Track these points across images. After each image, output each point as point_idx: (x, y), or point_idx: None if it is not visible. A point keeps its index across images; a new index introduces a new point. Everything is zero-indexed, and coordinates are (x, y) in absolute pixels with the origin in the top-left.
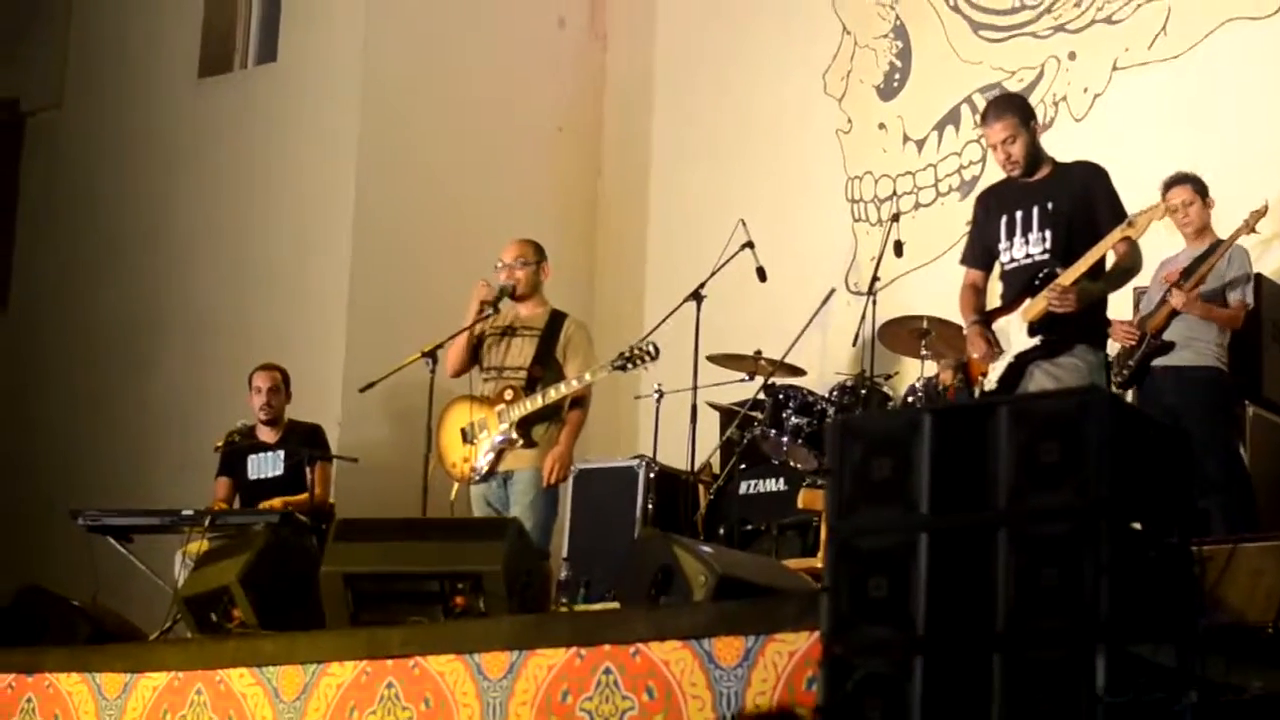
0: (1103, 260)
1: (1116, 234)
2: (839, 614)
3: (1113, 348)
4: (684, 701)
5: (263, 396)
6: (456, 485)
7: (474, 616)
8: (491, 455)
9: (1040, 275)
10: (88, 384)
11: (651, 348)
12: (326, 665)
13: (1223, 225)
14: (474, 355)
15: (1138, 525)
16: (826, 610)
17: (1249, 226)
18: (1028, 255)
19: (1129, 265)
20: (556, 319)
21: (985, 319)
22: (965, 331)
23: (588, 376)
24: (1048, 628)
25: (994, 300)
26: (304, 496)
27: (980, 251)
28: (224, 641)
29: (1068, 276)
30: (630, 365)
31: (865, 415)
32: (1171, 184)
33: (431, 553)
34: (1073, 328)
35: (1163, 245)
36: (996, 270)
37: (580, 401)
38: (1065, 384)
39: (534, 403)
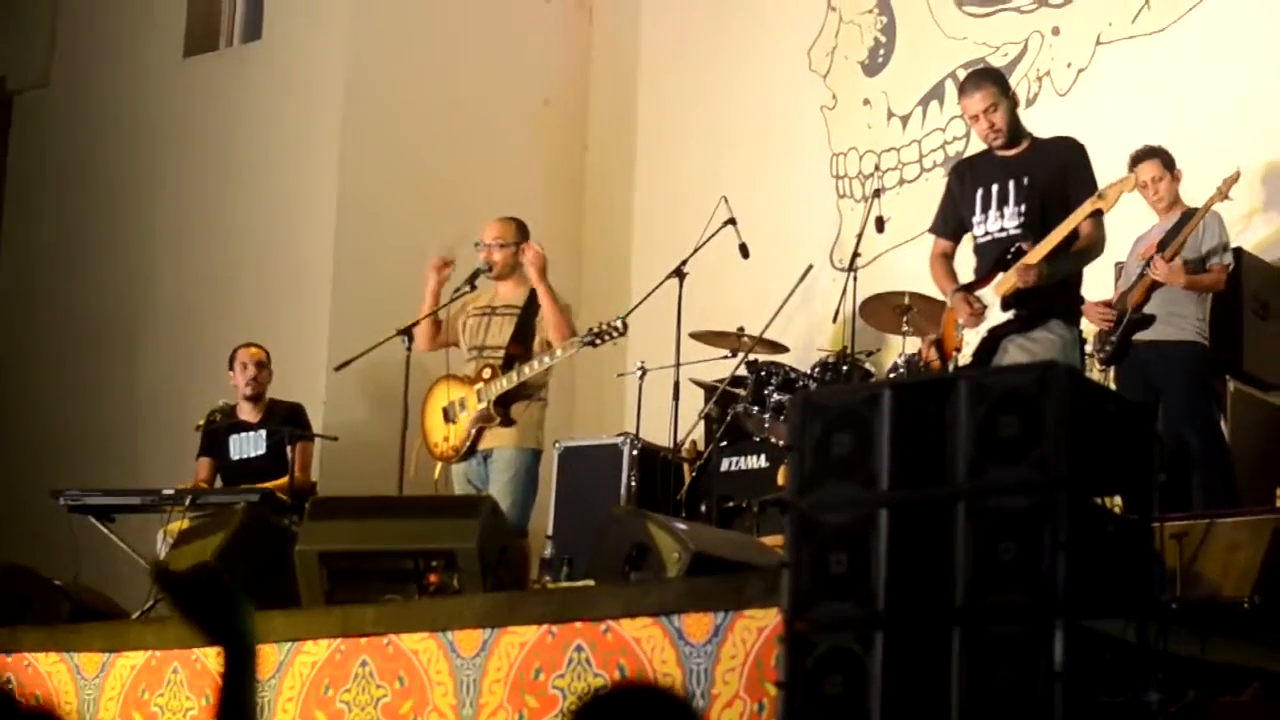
0: (1073, 236)
1: (1087, 206)
2: (800, 590)
3: (1090, 328)
4: (655, 679)
5: (250, 371)
6: (439, 465)
7: (448, 594)
8: (473, 432)
9: (1012, 250)
10: (73, 363)
11: (620, 324)
12: (301, 644)
13: (1204, 198)
14: (438, 330)
15: (1099, 500)
16: (788, 586)
17: (1222, 194)
18: (1002, 229)
19: (1091, 244)
20: (536, 296)
21: (966, 286)
22: (948, 299)
23: (559, 353)
24: (1006, 603)
25: (964, 274)
26: (285, 480)
27: (951, 221)
28: None
29: (1034, 254)
30: (599, 341)
31: (826, 391)
32: (1139, 159)
33: (406, 531)
34: (1047, 302)
35: (1138, 219)
36: (968, 243)
37: None
38: (1039, 358)
39: (510, 380)
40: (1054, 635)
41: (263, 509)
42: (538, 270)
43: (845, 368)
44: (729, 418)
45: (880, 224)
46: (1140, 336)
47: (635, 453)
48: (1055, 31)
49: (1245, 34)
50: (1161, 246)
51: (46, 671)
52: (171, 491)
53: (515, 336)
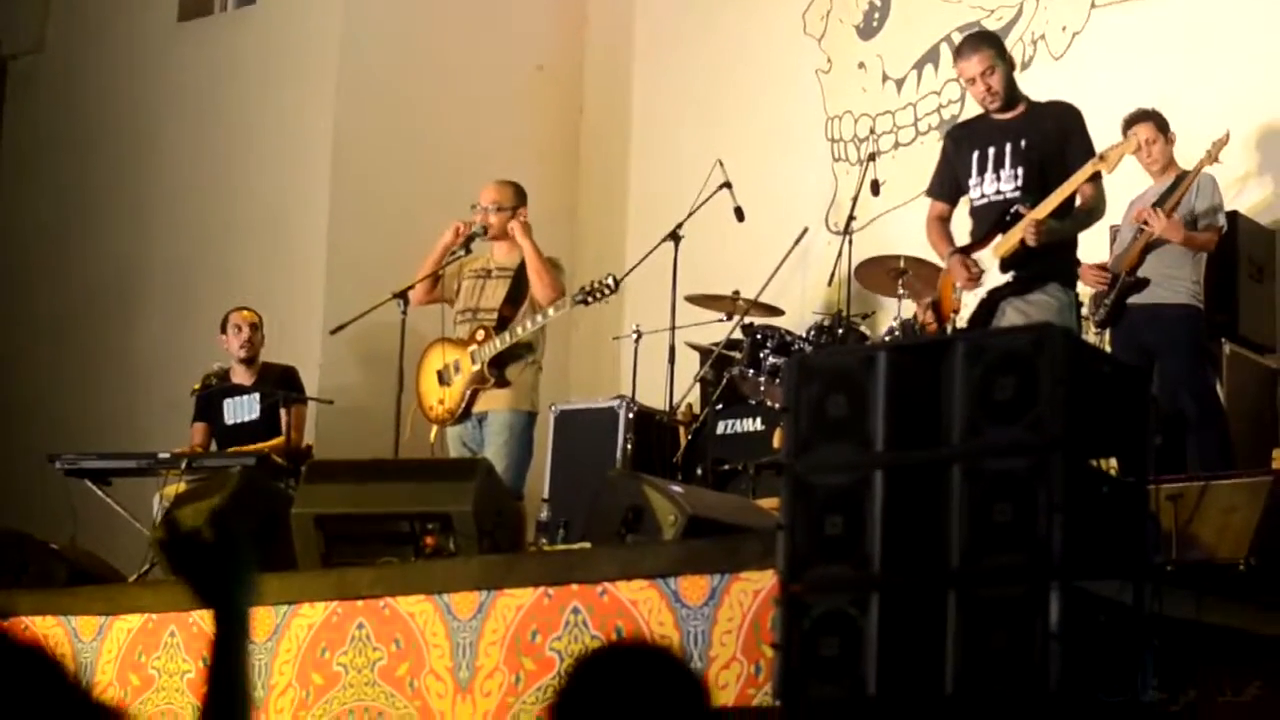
0: (1072, 199)
1: (1088, 168)
2: (796, 552)
3: (1085, 291)
4: (653, 641)
5: (244, 334)
6: (435, 428)
7: (445, 557)
8: (468, 394)
9: (1011, 212)
10: (70, 327)
11: (611, 281)
12: (297, 606)
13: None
14: (435, 285)
15: (1095, 462)
16: (783, 549)
17: (1212, 157)
18: (998, 192)
19: (1092, 207)
20: None
21: (963, 249)
22: (945, 262)
23: (551, 312)
24: (1001, 564)
25: (960, 237)
26: (279, 440)
27: (947, 184)
28: None
29: (1040, 211)
30: (591, 299)
31: (821, 353)
32: (1133, 121)
33: (402, 494)
34: (1045, 265)
35: (1133, 182)
36: (964, 206)
37: None
38: (1036, 321)
39: (503, 341)
40: (1050, 597)
41: (259, 472)
42: (520, 227)
43: (841, 331)
44: (724, 381)
45: (875, 187)
46: (1135, 300)
47: (631, 416)
48: None
49: None
50: (1157, 206)
51: (43, 634)
52: (167, 455)
53: (508, 298)
